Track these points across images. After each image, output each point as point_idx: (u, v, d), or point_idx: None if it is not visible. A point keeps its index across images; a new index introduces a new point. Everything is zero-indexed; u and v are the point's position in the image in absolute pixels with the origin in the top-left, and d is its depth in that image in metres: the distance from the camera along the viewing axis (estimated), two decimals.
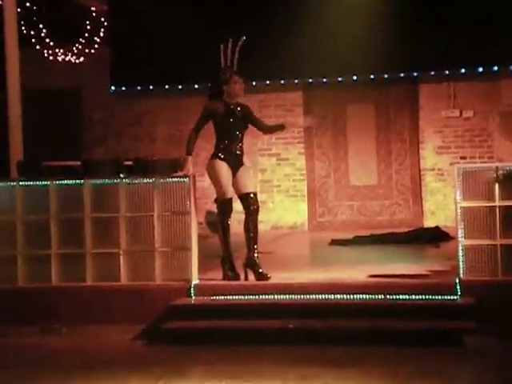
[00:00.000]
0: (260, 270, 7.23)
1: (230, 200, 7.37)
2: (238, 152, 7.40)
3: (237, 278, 7.34)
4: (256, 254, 7.27)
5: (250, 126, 7.51)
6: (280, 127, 7.69)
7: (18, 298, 7.57)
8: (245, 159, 7.54)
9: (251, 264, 7.27)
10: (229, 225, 7.40)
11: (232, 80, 7.43)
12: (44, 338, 7.23)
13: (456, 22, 10.78)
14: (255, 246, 7.29)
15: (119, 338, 7.05)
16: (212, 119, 7.42)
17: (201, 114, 7.46)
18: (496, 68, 11.00)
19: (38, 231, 7.67)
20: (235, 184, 7.36)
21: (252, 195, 7.33)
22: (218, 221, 7.41)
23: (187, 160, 7.40)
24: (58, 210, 7.64)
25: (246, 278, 7.30)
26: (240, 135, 7.43)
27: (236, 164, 7.37)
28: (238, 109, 7.42)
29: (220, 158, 7.34)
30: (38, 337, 7.25)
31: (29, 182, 7.72)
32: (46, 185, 7.65)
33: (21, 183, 7.73)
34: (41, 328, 7.32)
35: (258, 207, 7.33)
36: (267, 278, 7.20)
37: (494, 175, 6.99)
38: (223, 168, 7.30)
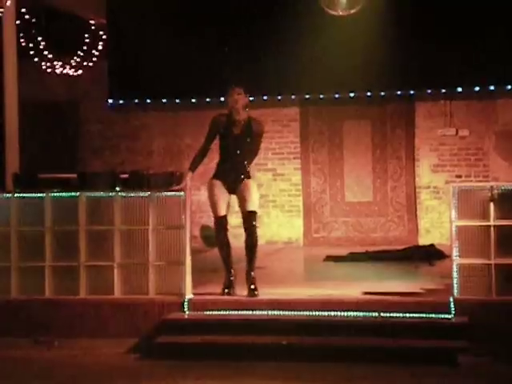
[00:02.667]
0: (252, 287, 7.24)
1: (223, 217, 7.35)
2: (239, 170, 7.31)
3: (230, 293, 7.34)
4: (252, 272, 7.29)
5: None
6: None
7: (10, 309, 7.55)
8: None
9: (247, 278, 7.29)
10: (226, 240, 7.40)
11: (228, 93, 7.33)
12: (36, 350, 7.19)
13: (453, 41, 10.82)
14: (252, 263, 7.31)
15: (112, 352, 7.02)
16: (217, 133, 7.36)
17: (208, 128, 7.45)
18: (492, 87, 11.03)
19: (32, 243, 7.67)
20: (237, 201, 7.36)
21: (250, 214, 7.26)
22: (215, 237, 7.45)
23: (187, 174, 7.40)
24: (52, 223, 7.64)
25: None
26: (243, 153, 7.31)
27: (236, 181, 7.30)
28: (243, 123, 7.29)
29: (215, 177, 7.35)
30: (30, 349, 7.22)
31: (24, 194, 7.72)
32: (42, 197, 7.65)
33: (16, 195, 7.73)
34: (33, 340, 7.29)
35: (254, 226, 7.28)
36: (255, 296, 7.19)
37: (489, 194, 7.01)
38: (216, 186, 7.30)
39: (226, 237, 7.41)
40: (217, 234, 7.40)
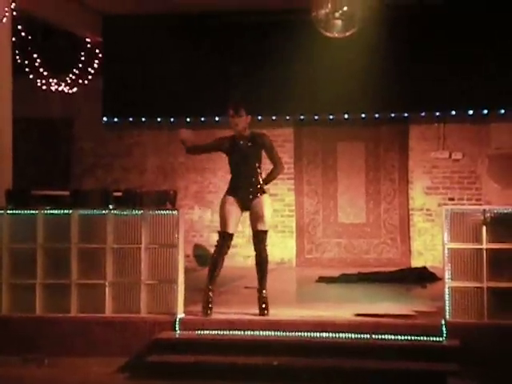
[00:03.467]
0: (263, 306, 7.27)
1: (229, 235, 7.32)
2: (250, 186, 7.30)
3: (206, 313, 7.26)
4: (264, 291, 7.31)
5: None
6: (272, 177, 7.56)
7: (0, 326, 7.50)
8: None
9: (258, 297, 7.31)
10: (222, 259, 7.33)
11: (229, 114, 7.39)
12: (26, 368, 7.14)
13: (447, 65, 10.90)
14: (262, 282, 7.34)
15: (102, 371, 6.98)
16: (219, 148, 7.49)
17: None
18: (486, 111, 11.10)
19: (23, 260, 7.63)
20: (249, 217, 7.37)
21: (260, 233, 7.28)
22: (213, 252, 7.40)
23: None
24: (44, 240, 7.61)
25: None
26: (251, 168, 7.32)
27: (248, 198, 7.30)
28: (248, 140, 7.35)
29: (228, 193, 7.39)
30: (20, 367, 7.16)
31: (16, 211, 7.70)
32: (34, 214, 7.63)
33: (8, 212, 7.71)
34: (23, 359, 7.24)
35: (264, 245, 7.29)
36: (264, 315, 7.23)
37: (482, 218, 7.02)
38: (228, 202, 7.32)
39: (223, 255, 7.36)
40: (216, 249, 7.34)
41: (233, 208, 7.31)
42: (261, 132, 7.54)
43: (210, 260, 7.47)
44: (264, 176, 7.47)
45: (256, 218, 7.28)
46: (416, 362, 6.55)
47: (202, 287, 7.45)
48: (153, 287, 7.44)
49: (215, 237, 7.51)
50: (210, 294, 7.32)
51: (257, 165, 7.36)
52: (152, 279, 7.44)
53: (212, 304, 7.31)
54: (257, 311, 7.29)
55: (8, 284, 7.64)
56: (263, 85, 11.22)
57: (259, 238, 7.29)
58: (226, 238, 7.33)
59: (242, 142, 7.35)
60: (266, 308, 7.28)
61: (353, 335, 6.84)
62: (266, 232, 7.32)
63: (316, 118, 11.63)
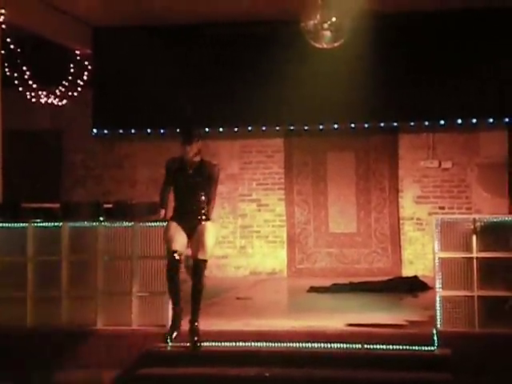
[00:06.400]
0: (195, 339, 6.88)
1: (176, 254, 6.91)
2: (193, 213, 6.99)
3: (166, 339, 6.94)
4: (196, 323, 6.92)
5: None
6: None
7: None
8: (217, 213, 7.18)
9: (190, 329, 6.93)
10: (176, 281, 6.96)
11: (180, 142, 7.17)
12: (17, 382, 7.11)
13: (436, 74, 10.94)
14: (196, 314, 6.93)
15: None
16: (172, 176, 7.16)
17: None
18: (475, 120, 11.13)
19: (14, 273, 7.61)
20: (190, 245, 7.02)
21: (199, 262, 6.91)
22: (166, 276, 7.06)
23: (161, 213, 7.18)
24: (35, 253, 7.59)
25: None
26: (196, 197, 7.01)
27: (191, 225, 6.98)
28: (197, 168, 7.06)
29: (172, 219, 7.05)
30: (9, 381, 7.13)
31: (6, 224, 7.67)
32: (24, 227, 7.61)
33: None
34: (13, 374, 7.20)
35: (202, 275, 6.90)
36: (198, 350, 6.86)
37: (472, 227, 7.04)
38: (172, 226, 6.97)
39: (176, 278, 6.96)
40: (167, 272, 6.98)
41: (177, 230, 6.95)
42: (212, 163, 7.21)
43: (167, 283, 7.07)
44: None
45: (196, 246, 6.92)
46: (408, 371, 6.55)
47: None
48: (144, 299, 7.42)
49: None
50: (175, 313, 7.00)
51: (202, 194, 7.04)
52: (143, 291, 7.42)
53: (176, 327, 6.96)
54: (248, 321, 7.26)
55: None
56: (253, 96, 11.23)
57: (197, 268, 6.90)
58: (172, 257, 6.91)
59: (190, 170, 7.07)
60: (199, 340, 6.87)
61: (344, 345, 6.83)
62: (205, 262, 6.93)
63: (306, 128, 11.64)
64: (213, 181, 7.09)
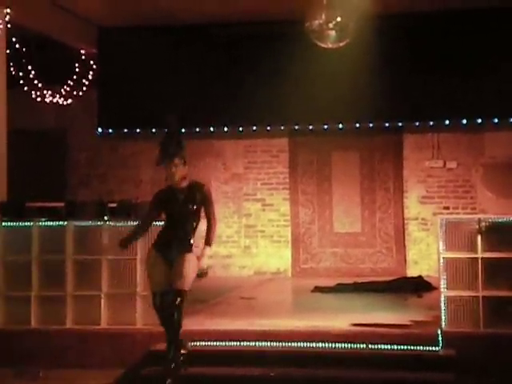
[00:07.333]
0: (168, 382, 6.29)
1: (159, 294, 6.50)
2: (178, 243, 6.54)
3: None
4: (173, 363, 6.37)
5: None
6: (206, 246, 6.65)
7: None
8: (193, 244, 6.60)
9: (165, 369, 6.38)
10: (164, 318, 6.49)
11: (165, 165, 6.65)
12: (21, 381, 7.11)
13: (441, 74, 10.92)
14: (171, 350, 6.42)
15: (97, 383, 6.94)
16: (159, 209, 6.66)
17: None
18: (480, 120, 11.12)
19: (18, 272, 7.62)
20: (170, 272, 6.56)
21: (177, 292, 6.42)
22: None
23: (121, 249, 6.71)
24: (39, 252, 7.60)
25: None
26: (185, 226, 6.55)
27: (176, 253, 6.53)
28: (186, 193, 6.56)
29: (156, 247, 6.64)
30: (15, 380, 7.13)
31: (11, 223, 7.69)
32: (29, 226, 7.62)
33: (3, 224, 7.69)
34: (17, 372, 7.21)
35: (179, 306, 6.39)
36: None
37: (477, 227, 7.04)
38: (151, 259, 6.61)
39: (165, 315, 6.46)
40: (155, 309, 6.57)
41: (159, 263, 6.53)
42: (200, 184, 6.64)
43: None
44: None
45: (176, 276, 6.44)
46: (412, 371, 6.54)
47: (200, 299, 7.35)
48: (148, 298, 7.40)
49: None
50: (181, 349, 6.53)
51: (193, 223, 6.57)
52: (148, 290, 7.41)
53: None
54: (252, 321, 7.25)
55: (3, 296, 7.63)
56: (258, 96, 11.24)
57: (175, 298, 6.40)
58: (154, 297, 6.55)
59: (179, 196, 6.56)
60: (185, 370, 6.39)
61: (349, 345, 6.83)
62: (184, 292, 6.46)
63: (310, 127, 11.64)
64: (208, 202, 6.61)
